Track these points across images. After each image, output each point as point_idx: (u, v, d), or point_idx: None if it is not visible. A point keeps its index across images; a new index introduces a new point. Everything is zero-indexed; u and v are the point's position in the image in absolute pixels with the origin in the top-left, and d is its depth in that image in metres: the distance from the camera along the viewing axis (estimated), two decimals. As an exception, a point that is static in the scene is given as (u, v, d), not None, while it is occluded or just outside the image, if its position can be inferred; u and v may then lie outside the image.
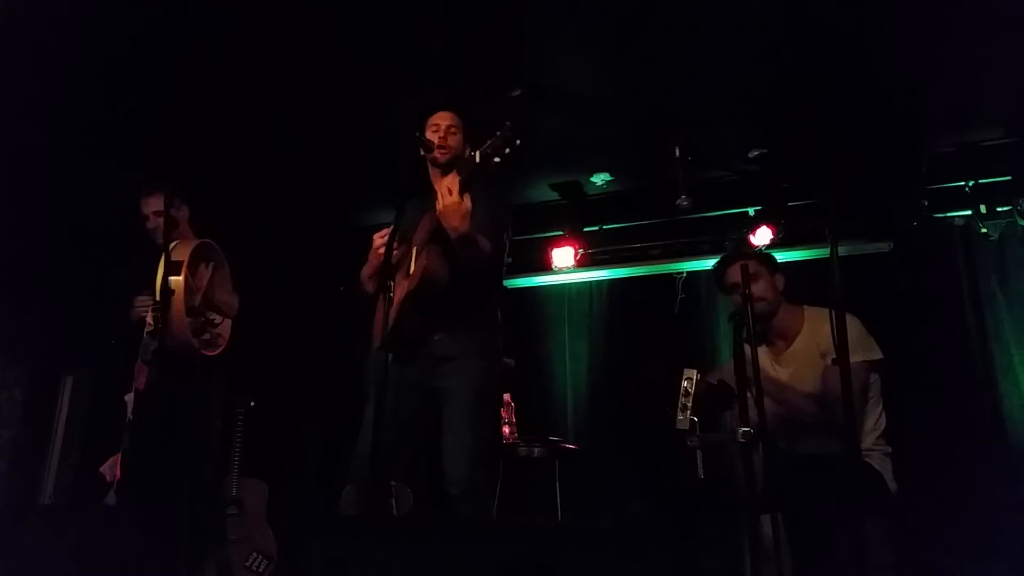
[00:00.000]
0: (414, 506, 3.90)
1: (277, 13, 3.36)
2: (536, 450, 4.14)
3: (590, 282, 5.33)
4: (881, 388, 2.86)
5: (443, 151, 2.81)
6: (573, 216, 5.14)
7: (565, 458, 4.23)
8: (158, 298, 3.05)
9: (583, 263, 5.15)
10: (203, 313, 3.24)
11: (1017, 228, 4.25)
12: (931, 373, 3.96)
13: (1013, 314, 4.17)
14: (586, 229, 5.15)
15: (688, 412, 2.54)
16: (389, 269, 2.43)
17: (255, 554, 3.53)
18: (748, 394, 2.43)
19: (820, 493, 2.51)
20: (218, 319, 3.33)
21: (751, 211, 4.77)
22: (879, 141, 4.24)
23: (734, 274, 2.86)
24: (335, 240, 5.53)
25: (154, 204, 3.49)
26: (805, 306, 3.03)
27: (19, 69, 3.68)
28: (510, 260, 2.93)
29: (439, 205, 2.49)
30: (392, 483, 2.87)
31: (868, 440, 2.80)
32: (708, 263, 4.91)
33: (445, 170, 2.80)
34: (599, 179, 4.96)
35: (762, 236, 4.50)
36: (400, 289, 2.69)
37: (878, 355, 2.81)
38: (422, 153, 2.83)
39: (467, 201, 2.46)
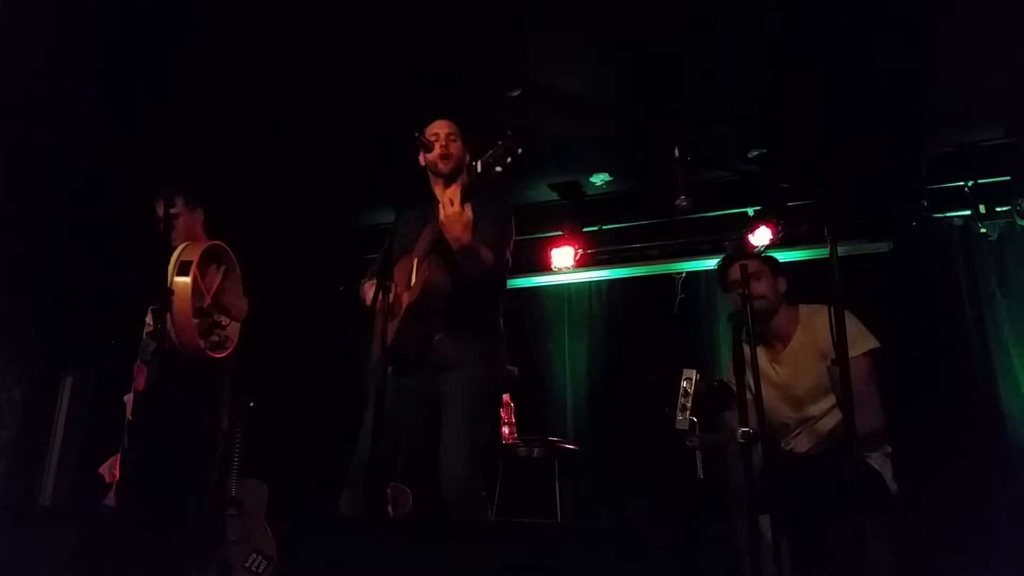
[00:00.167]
0: (413, 507, 3.90)
1: (277, 13, 3.36)
2: (536, 450, 4.15)
3: (589, 282, 5.34)
4: (880, 383, 2.85)
5: (445, 160, 2.80)
6: (573, 216, 5.14)
7: (565, 458, 4.23)
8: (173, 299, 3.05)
9: (583, 263, 5.16)
10: (211, 315, 3.23)
11: (1016, 228, 4.25)
12: (930, 373, 3.97)
13: (1012, 314, 4.18)
14: (585, 229, 5.15)
15: (687, 412, 2.54)
16: (387, 281, 2.40)
17: (255, 554, 3.53)
18: (747, 394, 2.43)
19: (820, 493, 2.51)
20: (226, 321, 3.32)
21: (751, 211, 4.77)
22: (879, 141, 4.24)
23: (736, 272, 2.86)
24: (335, 240, 5.55)
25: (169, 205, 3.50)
26: (800, 305, 3.03)
27: (19, 69, 3.69)
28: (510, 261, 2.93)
29: (441, 216, 2.47)
30: (390, 485, 2.87)
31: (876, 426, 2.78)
32: (708, 263, 4.93)
33: (448, 180, 2.78)
34: (598, 179, 4.96)
35: (761, 236, 4.50)
36: (402, 301, 2.69)
37: (875, 344, 2.82)
38: (421, 154, 2.82)
39: (468, 212, 2.45)
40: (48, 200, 4.57)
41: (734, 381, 2.43)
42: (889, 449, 2.84)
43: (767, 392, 2.85)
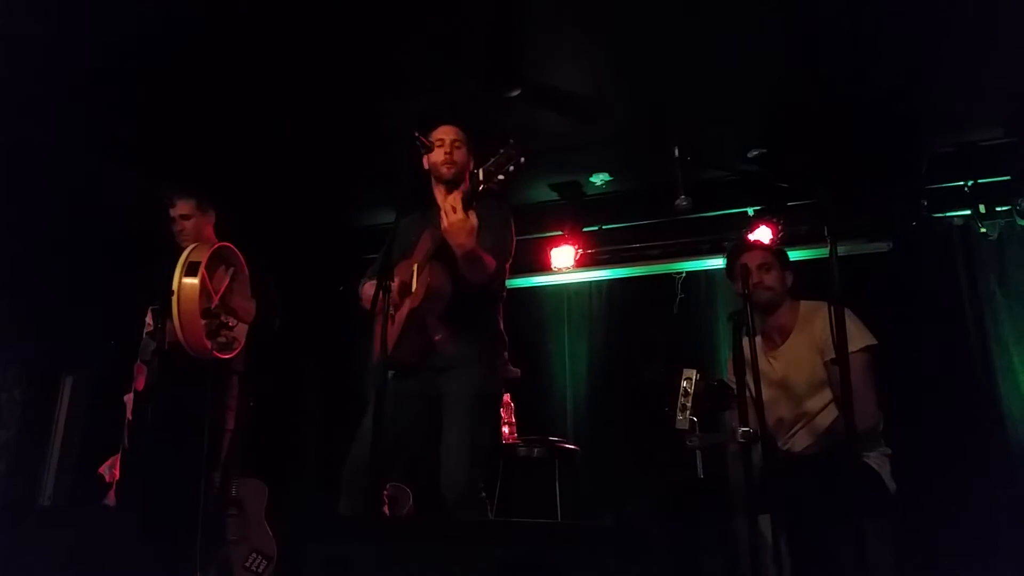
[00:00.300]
0: (413, 508, 3.91)
1: (278, 13, 3.36)
2: (536, 450, 4.15)
3: (590, 282, 5.34)
4: (877, 380, 2.85)
5: (449, 167, 2.79)
6: (573, 216, 5.14)
7: (565, 458, 4.23)
8: (174, 299, 3.05)
9: (583, 263, 5.16)
10: (218, 316, 3.23)
11: (1016, 228, 4.25)
12: (930, 372, 3.97)
13: (1012, 314, 4.18)
14: (586, 229, 5.15)
15: (687, 412, 2.53)
16: (387, 284, 2.40)
17: (255, 554, 3.53)
18: (747, 394, 2.43)
19: (819, 493, 2.51)
20: (233, 322, 3.31)
21: (750, 211, 4.77)
22: (879, 141, 4.24)
23: (746, 261, 2.87)
24: (335, 240, 5.55)
25: (181, 208, 3.50)
26: (801, 301, 3.03)
27: (19, 69, 3.68)
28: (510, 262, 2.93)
29: (444, 222, 2.46)
30: (391, 486, 2.87)
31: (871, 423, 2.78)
32: (708, 263, 4.94)
33: (450, 186, 2.78)
34: (598, 179, 4.96)
35: (761, 236, 4.50)
36: (403, 308, 2.69)
37: (872, 341, 2.82)
38: (425, 157, 2.82)
39: (473, 219, 2.44)
40: (48, 200, 4.57)
41: (734, 381, 2.43)
42: (888, 450, 2.84)
43: (764, 388, 2.85)
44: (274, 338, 3.59)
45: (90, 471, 3.84)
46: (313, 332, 5.41)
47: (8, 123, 3.98)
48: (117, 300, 4.01)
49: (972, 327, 4.20)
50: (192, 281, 3.10)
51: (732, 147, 4.49)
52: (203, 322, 3.14)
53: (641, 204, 5.04)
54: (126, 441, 3.50)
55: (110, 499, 3.57)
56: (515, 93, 3.87)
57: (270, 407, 3.89)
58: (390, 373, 2.61)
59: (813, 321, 2.89)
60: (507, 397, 4.24)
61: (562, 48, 3.71)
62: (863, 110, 4.03)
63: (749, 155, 4.49)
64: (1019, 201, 4.20)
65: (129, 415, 3.49)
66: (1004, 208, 4.29)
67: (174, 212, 3.51)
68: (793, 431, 2.94)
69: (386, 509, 2.87)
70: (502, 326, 2.87)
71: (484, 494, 2.64)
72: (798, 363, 2.92)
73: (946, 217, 4.43)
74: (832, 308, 2.31)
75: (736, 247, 3.12)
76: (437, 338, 2.70)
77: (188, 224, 3.51)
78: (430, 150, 2.78)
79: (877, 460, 2.79)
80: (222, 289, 3.28)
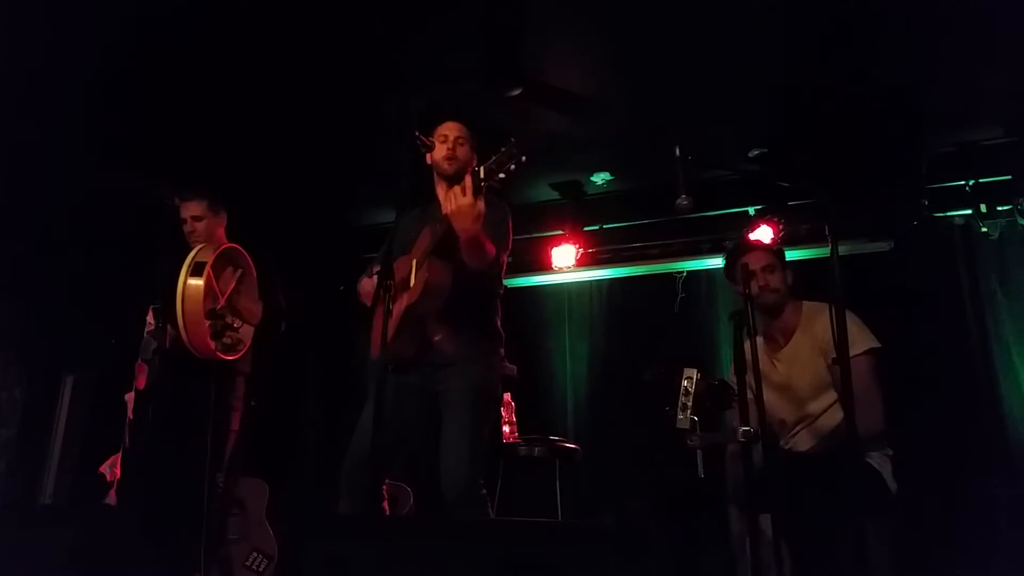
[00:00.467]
0: (413, 507, 3.91)
1: (278, 12, 3.36)
2: (536, 450, 4.15)
3: (590, 281, 5.34)
4: (881, 383, 2.85)
5: (451, 162, 2.79)
6: (573, 215, 5.14)
7: (565, 458, 4.23)
8: (179, 300, 3.05)
9: (583, 262, 5.15)
10: (223, 317, 3.22)
11: (1017, 227, 4.25)
12: (930, 372, 3.96)
13: (1013, 313, 4.17)
14: (586, 228, 5.15)
15: (688, 412, 2.54)
16: (387, 280, 2.41)
17: (255, 553, 3.53)
18: (748, 393, 2.43)
19: (820, 492, 2.51)
20: (238, 324, 3.31)
21: (751, 210, 4.77)
22: (879, 141, 4.24)
23: (750, 260, 2.87)
24: (335, 240, 5.54)
25: (193, 209, 3.50)
26: (803, 301, 3.03)
27: (19, 69, 3.69)
28: (510, 260, 2.93)
29: (451, 205, 2.45)
30: (391, 485, 2.87)
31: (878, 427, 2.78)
32: (708, 263, 4.93)
33: (451, 181, 2.78)
34: (599, 178, 4.96)
35: (762, 235, 4.50)
36: (400, 302, 2.69)
37: (876, 343, 2.82)
38: (423, 154, 2.82)
39: (480, 203, 2.44)
40: (48, 200, 4.57)
41: (735, 380, 2.43)
42: (890, 450, 2.84)
43: (766, 390, 2.85)
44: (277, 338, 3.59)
45: (91, 470, 3.85)
46: (313, 332, 5.42)
47: (8, 123, 3.98)
48: (117, 300, 4.01)
49: (973, 327, 4.20)
50: (197, 282, 3.10)
51: (733, 146, 4.49)
52: (207, 323, 3.14)
53: (642, 203, 5.03)
54: (127, 440, 3.50)
55: (111, 498, 3.57)
56: (516, 92, 3.87)
57: (271, 407, 3.89)
58: (389, 368, 2.61)
59: (816, 322, 2.89)
60: (507, 396, 4.24)
61: (563, 47, 3.71)
62: (863, 110, 4.02)
63: (750, 154, 4.49)
64: (1020, 200, 4.19)
65: (130, 414, 3.49)
66: (1005, 208, 4.28)
67: (185, 213, 3.51)
68: (796, 431, 2.94)
69: (386, 505, 2.87)
70: (500, 323, 2.87)
71: (485, 491, 2.64)
72: (801, 364, 2.92)
73: (947, 217, 4.43)
74: (833, 307, 2.31)
75: (736, 248, 3.12)
76: (436, 337, 2.71)
77: (200, 225, 3.51)
78: (431, 149, 2.79)
79: (879, 460, 2.79)
80: (228, 290, 3.28)
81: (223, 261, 3.28)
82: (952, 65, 3.66)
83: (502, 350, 2.85)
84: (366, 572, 1.85)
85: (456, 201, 2.44)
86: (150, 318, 3.52)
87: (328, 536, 1.93)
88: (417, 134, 2.74)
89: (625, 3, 3.33)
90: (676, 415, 2.55)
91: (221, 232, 3.60)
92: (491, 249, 2.61)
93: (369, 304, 2.71)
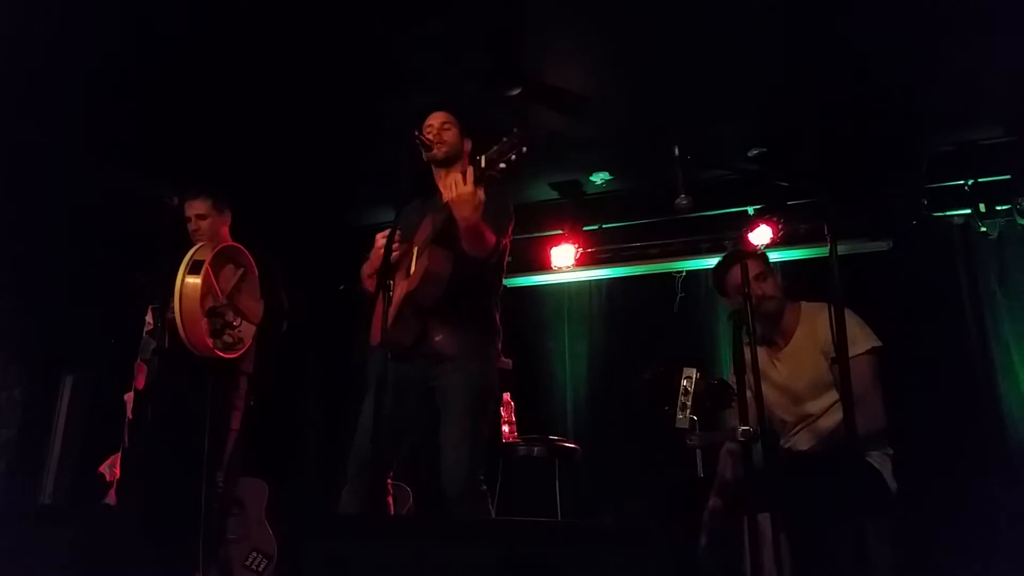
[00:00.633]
0: (413, 505, 3.91)
1: (278, 12, 3.36)
2: (536, 449, 4.15)
3: (590, 281, 5.33)
4: (882, 382, 2.86)
5: (440, 146, 2.82)
6: (573, 215, 5.14)
7: (565, 457, 4.23)
8: (176, 298, 3.05)
9: (583, 262, 5.15)
10: (223, 315, 3.22)
11: (1016, 227, 4.25)
12: (930, 372, 3.96)
13: (1012, 313, 4.17)
14: (586, 228, 5.15)
15: (688, 411, 2.54)
16: (389, 268, 2.43)
17: (255, 553, 3.53)
18: (748, 393, 2.43)
19: (820, 492, 2.51)
20: (237, 322, 3.30)
21: (750, 210, 4.77)
22: (879, 140, 4.24)
23: (738, 275, 2.85)
24: (335, 240, 5.54)
25: (197, 208, 3.50)
26: (802, 302, 3.03)
27: (19, 69, 3.69)
28: (509, 260, 2.94)
29: (451, 193, 2.47)
30: (390, 482, 2.86)
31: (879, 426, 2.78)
32: (708, 262, 4.92)
33: (445, 164, 2.83)
34: (598, 178, 4.96)
35: (761, 235, 4.50)
36: (399, 289, 2.70)
37: (877, 343, 2.83)
38: (424, 156, 2.83)
39: (480, 193, 2.46)
40: (48, 200, 4.57)
41: (735, 380, 2.43)
42: (890, 450, 2.84)
43: (767, 389, 2.85)
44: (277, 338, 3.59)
45: (90, 470, 3.85)
46: (313, 331, 5.42)
47: (8, 123, 3.98)
48: (117, 299, 4.01)
49: (972, 326, 4.20)
50: (195, 280, 3.09)
51: (732, 146, 4.49)
52: (206, 320, 3.13)
53: (641, 203, 5.03)
54: (126, 440, 3.50)
55: (110, 498, 3.57)
56: (515, 92, 3.88)
57: (271, 406, 3.89)
58: (389, 357, 2.61)
59: (817, 323, 2.89)
60: (507, 396, 4.24)
61: (562, 47, 3.71)
62: (863, 109, 4.02)
63: (749, 154, 4.49)
64: (1019, 200, 4.19)
65: (129, 414, 3.49)
66: (1004, 207, 4.28)
67: (189, 212, 3.51)
68: (795, 431, 2.94)
69: (390, 499, 2.87)
70: (498, 318, 2.87)
71: (485, 487, 2.64)
72: (802, 365, 2.92)
73: (946, 216, 4.43)
74: (832, 307, 2.31)
75: (722, 264, 3.09)
76: (435, 334, 2.71)
77: (204, 224, 3.51)
78: (431, 149, 2.80)
79: (879, 459, 2.80)
80: (229, 288, 3.27)
81: (223, 259, 3.27)
82: (952, 65, 3.66)
83: (499, 344, 2.86)
84: (366, 572, 1.85)
85: (456, 189, 2.45)
86: (149, 318, 3.52)
87: (328, 536, 1.93)
88: (417, 133, 2.76)
89: (625, 3, 3.33)
90: (676, 414, 2.54)
91: (225, 231, 3.60)
92: (491, 237, 2.62)
93: (370, 290, 2.71)
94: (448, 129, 2.85)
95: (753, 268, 2.93)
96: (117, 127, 4.18)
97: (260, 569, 3.51)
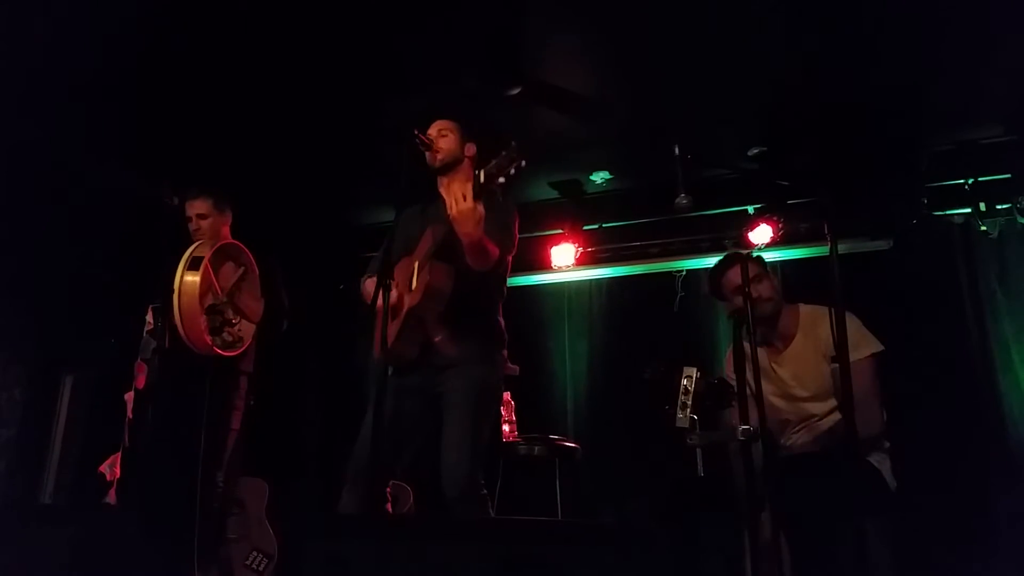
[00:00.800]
0: (414, 506, 3.90)
1: (278, 12, 3.36)
2: (536, 449, 4.15)
3: (590, 280, 5.33)
4: (882, 387, 2.86)
5: (436, 152, 2.83)
6: (573, 214, 5.14)
7: (565, 457, 4.23)
8: (176, 295, 3.05)
9: (583, 261, 5.15)
10: (222, 313, 3.21)
11: (1016, 226, 4.25)
12: (930, 371, 3.96)
13: (1012, 312, 4.17)
14: (586, 227, 5.15)
15: (688, 410, 2.54)
16: (388, 281, 2.41)
17: (255, 552, 3.53)
18: (748, 392, 2.43)
19: (820, 491, 2.51)
20: (237, 320, 3.30)
21: (750, 209, 4.77)
22: (879, 139, 4.24)
23: (735, 277, 2.85)
24: (335, 240, 5.55)
25: (198, 207, 3.50)
26: (800, 304, 3.03)
27: (19, 69, 3.68)
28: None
29: (452, 211, 2.46)
30: (391, 484, 2.87)
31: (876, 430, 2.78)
32: (707, 261, 4.92)
33: (444, 171, 2.83)
34: (598, 177, 4.96)
35: (761, 234, 4.50)
36: (402, 303, 2.69)
37: (879, 347, 2.83)
38: (423, 152, 2.83)
39: (481, 208, 2.45)
40: (48, 200, 4.57)
41: (733, 378, 2.43)
42: (887, 444, 2.84)
43: (767, 391, 2.85)
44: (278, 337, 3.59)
45: (91, 470, 3.85)
46: (314, 331, 5.42)
47: (8, 123, 3.98)
48: (117, 299, 4.01)
49: (972, 325, 4.20)
50: (193, 277, 3.09)
51: (732, 145, 4.49)
52: (205, 317, 3.13)
53: (641, 202, 5.03)
54: (127, 439, 3.51)
55: (111, 498, 3.57)
56: (516, 91, 3.87)
57: (271, 406, 3.89)
58: (390, 370, 2.61)
59: (818, 326, 2.89)
60: (507, 395, 4.24)
61: (562, 47, 3.71)
62: (863, 109, 4.02)
63: (749, 153, 4.49)
64: (1019, 199, 4.19)
65: (130, 413, 3.49)
66: (1004, 206, 4.28)
67: (190, 211, 3.50)
68: (796, 430, 2.94)
69: (389, 507, 2.87)
70: (503, 323, 2.88)
71: (485, 491, 2.65)
72: (803, 368, 2.92)
73: (946, 215, 4.43)
74: (832, 307, 2.31)
75: (719, 267, 3.08)
76: (437, 339, 2.71)
77: (205, 223, 3.51)
78: (430, 148, 2.80)
79: (878, 458, 2.80)
80: (229, 286, 3.27)
81: (223, 256, 3.27)
82: (952, 64, 3.66)
83: (505, 351, 2.86)
84: (366, 572, 1.85)
85: (457, 206, 2.45)
86: (149, 317, 3.52)
87: (328, 536, 1.93)
88: (416, 132, 2.76)
89: (625, 3, 3.33)
90: (676, 414, 2.54)
91: (226, 230, 3.60)
92: (494, 251, 2.62)
93: (370, 303, 2.71)
94: (445, 136, 2.85)
95: (750, 270, 2.92)
96: (117, 127, 4.18)
97: (261, 568, 3.51)
